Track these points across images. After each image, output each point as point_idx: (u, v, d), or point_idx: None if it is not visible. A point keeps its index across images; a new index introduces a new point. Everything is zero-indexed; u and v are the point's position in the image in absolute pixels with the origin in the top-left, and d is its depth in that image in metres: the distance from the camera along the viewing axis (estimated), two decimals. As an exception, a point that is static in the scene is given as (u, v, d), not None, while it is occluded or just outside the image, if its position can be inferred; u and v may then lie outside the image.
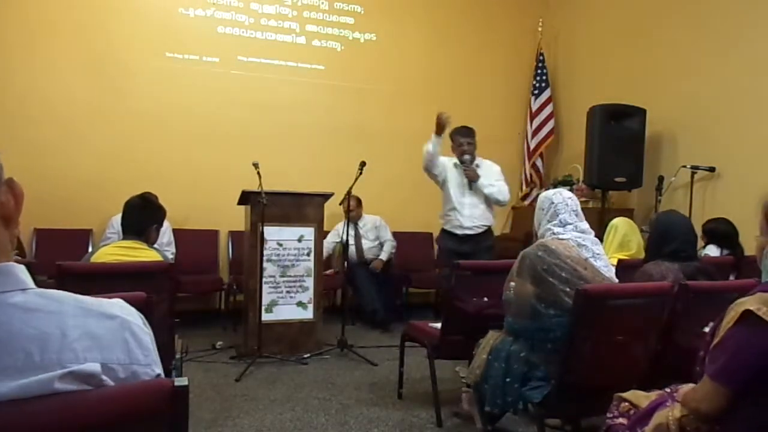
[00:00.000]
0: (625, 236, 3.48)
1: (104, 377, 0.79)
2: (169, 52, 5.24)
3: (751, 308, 1.34)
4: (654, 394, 1.74)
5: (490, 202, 4.18)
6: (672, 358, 2.26)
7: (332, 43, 5.80)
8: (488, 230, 4.21)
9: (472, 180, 4.12)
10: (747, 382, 1.37)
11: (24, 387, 0.73)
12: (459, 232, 4.14)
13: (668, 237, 2.58)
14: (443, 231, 4.27)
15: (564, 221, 2.54)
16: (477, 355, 2.52)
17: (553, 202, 2.63)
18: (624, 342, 2.27)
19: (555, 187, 5.76)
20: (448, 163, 4.22)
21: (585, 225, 2.58)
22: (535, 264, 2.31)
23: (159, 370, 0.87)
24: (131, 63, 5.10)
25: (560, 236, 2.42)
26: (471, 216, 4.12)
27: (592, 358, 2.22)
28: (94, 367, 0.78)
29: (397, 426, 2.96)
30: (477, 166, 4.15)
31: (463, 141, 4.13)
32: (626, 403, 1.81)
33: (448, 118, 3.99)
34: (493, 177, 4.17)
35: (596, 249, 2.48)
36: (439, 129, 4.03)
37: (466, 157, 4.10)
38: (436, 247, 5.98)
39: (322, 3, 5.78)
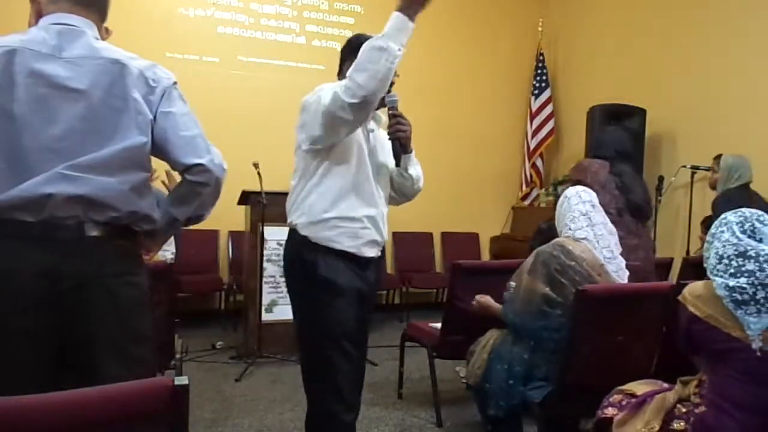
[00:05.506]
0: None
1: None
2: (169, 52, 5.23)
3: (678, 297, 1.69)
4: (650, 385, 1.84)
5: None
6: (672, 358, 2.26)
7: (332, 43, 5.80)
8: None
9: (404, 147, 2.11)
10: (697, 350, 1.67)
11: None
12: (366, 252, 1.97)
13: None
14: (324, 251, 1.94)
15: (586, 211, 2.39)
16: (477, 354, 2.51)
17: (567, 197, 2.46)
18: (624, 342, 2.27)
19: (555, 187, 5.77)
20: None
21: (600, 217, 2.43)
22: (548, 263, 2.28)
23: None
24: (131, 63, 5.09)
25: (576, 233, 2.37)
26: (384, 220, 2.05)
27: (593, 358, 2.23)
28: None
29: (397, 426, 2.96)
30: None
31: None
32: (618, 395, 1.85)
33: None
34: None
35: (606, 253, 2.42)
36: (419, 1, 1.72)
37: (395, 98, 2.13)
38: (434, 247, 6.02)
39: (322, 3, 5.78)
